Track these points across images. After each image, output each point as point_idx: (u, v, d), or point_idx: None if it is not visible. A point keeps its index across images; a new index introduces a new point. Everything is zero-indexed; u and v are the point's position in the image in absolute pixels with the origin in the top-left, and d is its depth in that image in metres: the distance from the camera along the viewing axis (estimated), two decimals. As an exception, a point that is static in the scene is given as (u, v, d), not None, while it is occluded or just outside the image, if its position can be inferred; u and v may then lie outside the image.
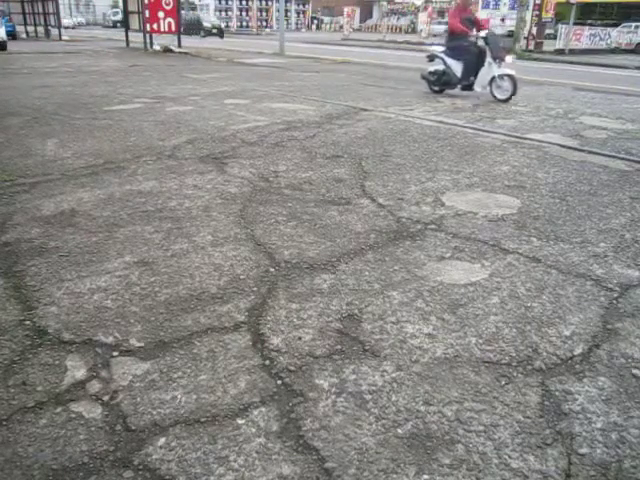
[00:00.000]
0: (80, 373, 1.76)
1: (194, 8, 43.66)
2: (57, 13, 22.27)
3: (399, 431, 1.55)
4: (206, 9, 42.64)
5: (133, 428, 1.54)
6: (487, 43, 7.58)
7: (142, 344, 1.91)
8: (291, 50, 18.21)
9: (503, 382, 1.77)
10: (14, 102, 6.54)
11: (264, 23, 42.81)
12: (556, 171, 4.28)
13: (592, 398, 1.71)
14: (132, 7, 17.35)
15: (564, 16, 24.26)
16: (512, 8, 24.44)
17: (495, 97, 7.73)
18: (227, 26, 42.20)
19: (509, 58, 7.70)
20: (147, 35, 16.24)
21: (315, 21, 51.49)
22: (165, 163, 4.14)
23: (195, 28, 29.90)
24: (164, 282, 2.34)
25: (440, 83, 8.27)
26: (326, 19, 52.87)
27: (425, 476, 1.41)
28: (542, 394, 1.73)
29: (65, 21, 41.81)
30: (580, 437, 1.55)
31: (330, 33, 43.16)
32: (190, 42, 19.99)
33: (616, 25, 25.66)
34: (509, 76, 7.57)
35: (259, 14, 42.24)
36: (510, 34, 20.60)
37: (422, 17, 34.99)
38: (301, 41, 26.85)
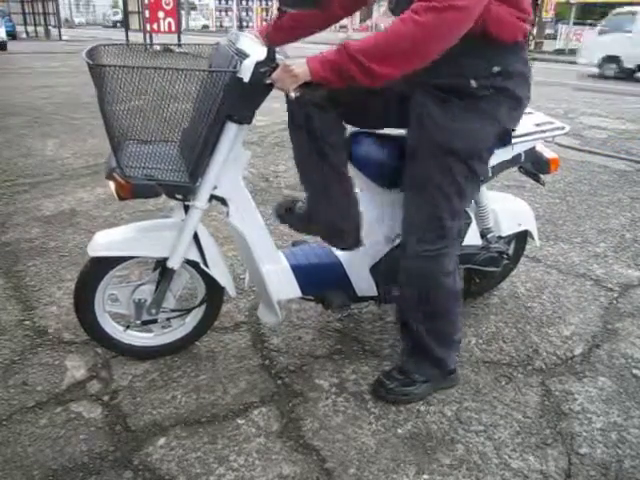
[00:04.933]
0: (80, 373, 1.76)
1: (194, 8, 43.66)
2: (57, 13, 22.27)
3: (399, 431, 1.55)
4: (206, 9, 42.65)
5: (133, 428, 1.54)
6: None
7: (142, 344, 1.91)
8: (292, 50, 18.17)
9: (503, 382, 1.77)
10: (14, 102, 6.54)
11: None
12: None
13: (592, 398, 1.71)
14: (132, 7, 17.32)
15: (564, 16, 24.25)
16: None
17: None
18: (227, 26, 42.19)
19: None
20: (147, 35, 16.22)
21: (315, 21, 51.38)
22: (165, 163, 4.14)
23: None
24: (164, 282, 2.33)
25: None
26: (326, 19, 52.74)
27: (425, 476, 1.41)
28: (542, 394, 1.73)
29: (77, 19, 41.75)
30: (580, 437, 1.55)
31: (330, 33, 43.14)
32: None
33: (616, 25, 25.62)
34: None
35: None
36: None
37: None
38: (302, 41, 26.86)
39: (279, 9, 1.38)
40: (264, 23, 1.45)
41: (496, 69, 1.42)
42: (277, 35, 1.62)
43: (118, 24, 38.02)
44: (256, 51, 1.41)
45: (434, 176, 1.48)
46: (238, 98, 1.41)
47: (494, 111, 1.47)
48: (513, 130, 1.60)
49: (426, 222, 1.53)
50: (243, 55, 1.41)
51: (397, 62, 1.27)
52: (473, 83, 1.43)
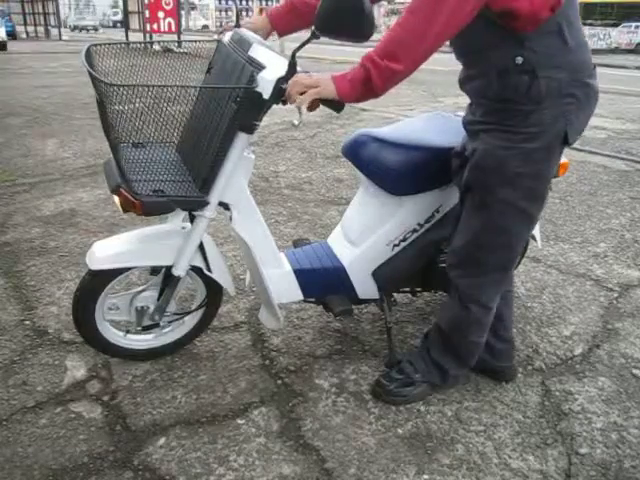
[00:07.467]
0: (80, 373, 1.76)
1: (194, 8, 43.61)
2: (57, 13, 22.27)
3: (399, 431, 1.55)
4: (206, 9, 42.60)
5: (133, 428, 1.54)
6: None
7: (142, 344, 1.91)
8: (291, 50, 18.16)
9: (503, 382, 1.77)
10: (14, 102, 6.54)
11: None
12: (556, 171, 4.27)
13: (592, 398, 1.71)
14: (132, 7, 17.32)
15: (564, 16, 24.17)
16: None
17: None
18: (227, 26, 42.00)
19: None
20: (147, 35, 16.21)
21: (315, 21, 51.21)
22: (165, 163, 4.13)
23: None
24: (164, 282, 2.33)
25: None
26: (326, 19, 52.57)
27: (425, 476, 1.41)
28: (542, 394, 1.73)
29: (83, 22, 39.81)
30: (580, 437, 1.55)
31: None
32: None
33: (616, 25, 25.64)
34: None
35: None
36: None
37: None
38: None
39: (313, 33, 1.26)
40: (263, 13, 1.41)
41: (519, 60, 1.17)
42: (282, 21, 1.57)
43: (118, 24, 37.98)
44: (274, 64, 1.34)
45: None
46: (254, 111, 1.37)
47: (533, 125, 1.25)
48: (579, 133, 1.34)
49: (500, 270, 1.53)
50: (258, 66, 1.35)
51: (409, 52, 1.18)
52: (496, 85, 1.23)
